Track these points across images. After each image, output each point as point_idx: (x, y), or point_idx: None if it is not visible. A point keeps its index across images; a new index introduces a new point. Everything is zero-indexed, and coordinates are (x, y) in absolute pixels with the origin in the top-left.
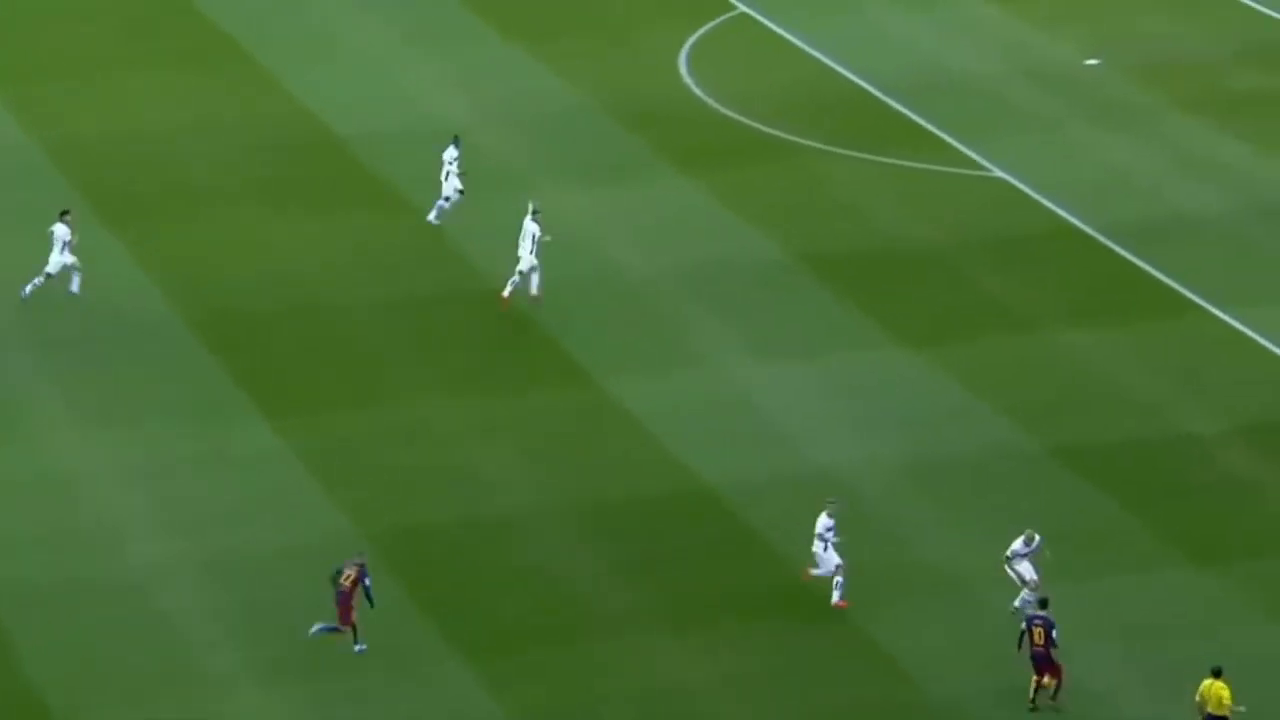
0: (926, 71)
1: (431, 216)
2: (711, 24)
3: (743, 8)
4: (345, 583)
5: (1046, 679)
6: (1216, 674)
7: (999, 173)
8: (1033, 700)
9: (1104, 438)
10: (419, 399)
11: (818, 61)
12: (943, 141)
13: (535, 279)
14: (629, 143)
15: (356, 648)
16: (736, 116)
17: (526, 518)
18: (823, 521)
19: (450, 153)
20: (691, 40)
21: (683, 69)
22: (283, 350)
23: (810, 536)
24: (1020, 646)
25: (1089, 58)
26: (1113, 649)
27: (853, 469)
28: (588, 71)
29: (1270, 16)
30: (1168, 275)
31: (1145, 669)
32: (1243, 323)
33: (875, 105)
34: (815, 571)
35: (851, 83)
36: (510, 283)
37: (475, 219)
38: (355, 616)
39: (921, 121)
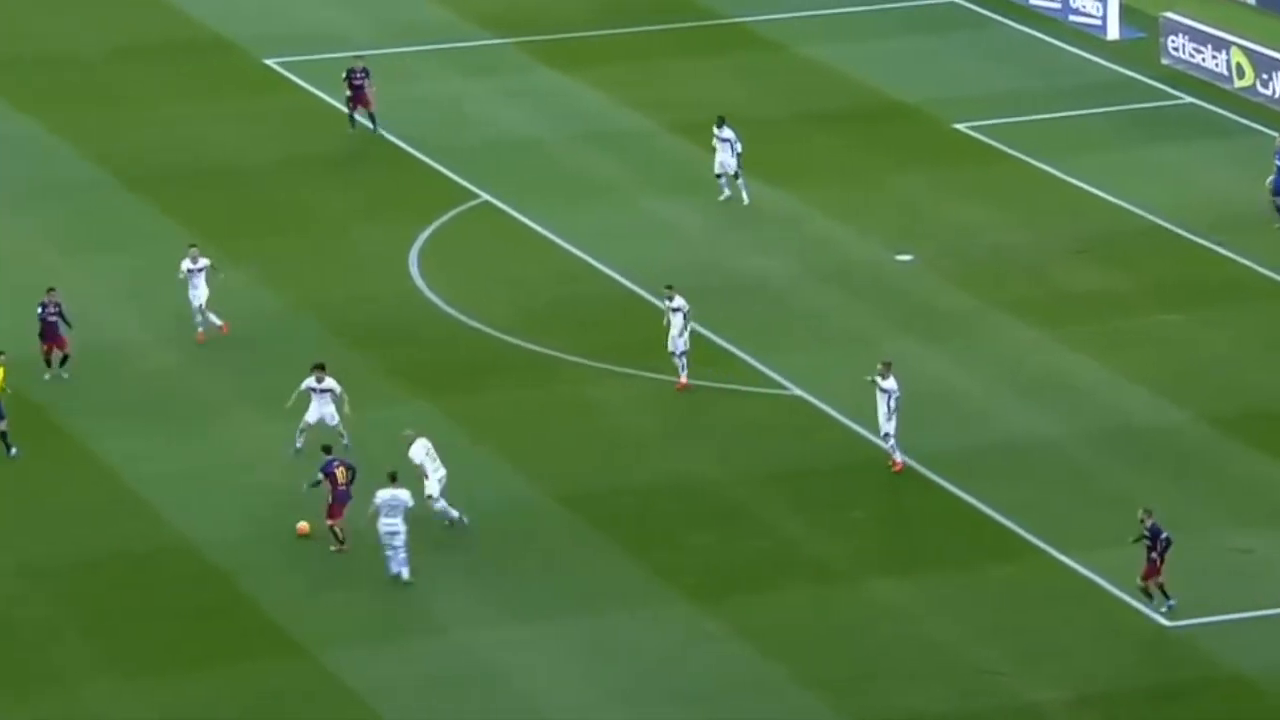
0: (706, 272)
1: (745, 198)
2: (448, 215)
3: (485, 195)
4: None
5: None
6: None
7: (796, 390)
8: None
9: (928, 710)
10: (89, 685)
11: (576, 259)
12: (729, 354)
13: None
14: (347, 361)
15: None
16: (479, 326)
17: None
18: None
19: (727, 133)
20: (425, 235)
21: (414, 270)
22: None
23: None
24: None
25: (898, 254)
26: None
27: None
28: (296, 276)
29: (1107, 202)
30: (997, 512)
31: None
32: (1087, 568)
33: (646, 310)
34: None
35: (618, 284)
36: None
37: (168, 462)
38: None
39: (703, 330)
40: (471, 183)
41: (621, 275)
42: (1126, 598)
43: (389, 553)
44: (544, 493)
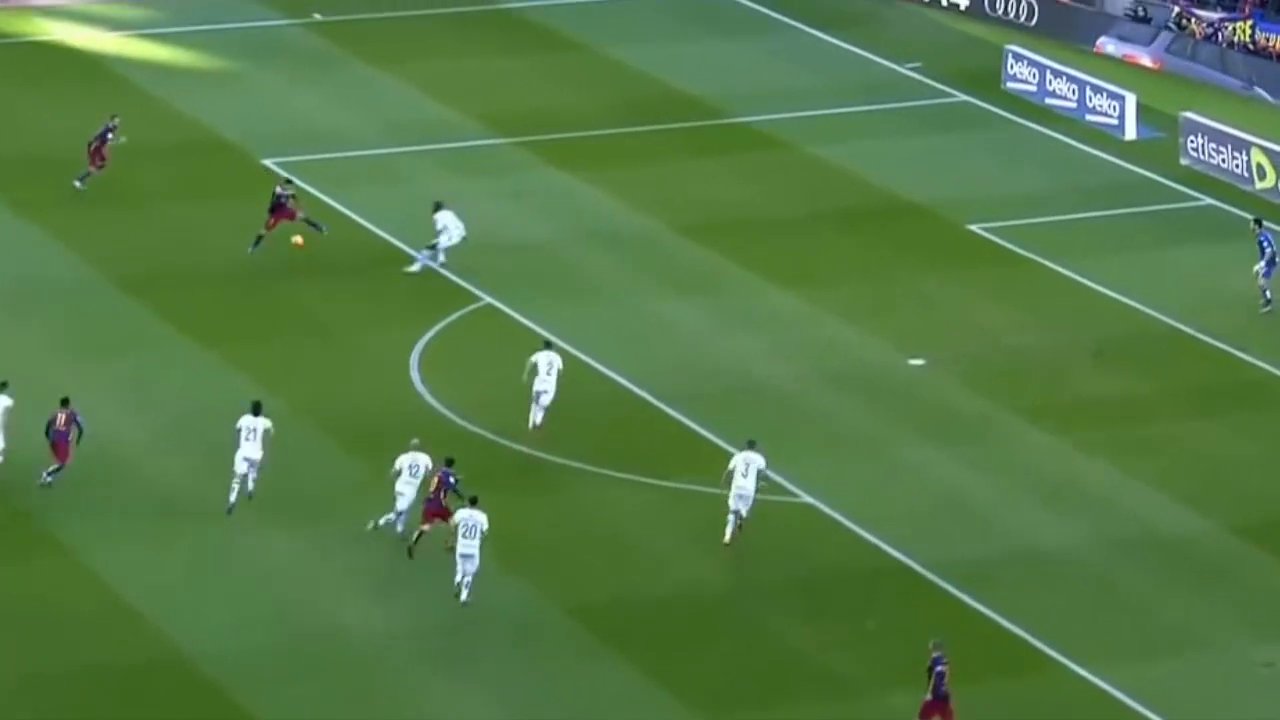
0: (714, 375)
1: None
2: (449, 319)
3: (487, 298)
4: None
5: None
6: None
7: (805, 498)
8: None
9: None
10: None
11: (580, 362)
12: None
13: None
14: (346, 467)
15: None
16: (481, 432)
17: None
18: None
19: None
20: (425, 339)
21: (414, 375)
22: None
23: None
24: None
25: (911, 357)
26: None
27: None
28: (295, 379)
29: (1125, 305)
30: (1013, 622)
31: None
32: (1107, 682)
33: (650, 415)
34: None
35: (619, 386)
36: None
37: (162, 572)
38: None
39: (708, 435)
40: (473, 285)
41: (626, 379)
42: (1147, 711)
43: (459, 575)
44: (550, 602)
